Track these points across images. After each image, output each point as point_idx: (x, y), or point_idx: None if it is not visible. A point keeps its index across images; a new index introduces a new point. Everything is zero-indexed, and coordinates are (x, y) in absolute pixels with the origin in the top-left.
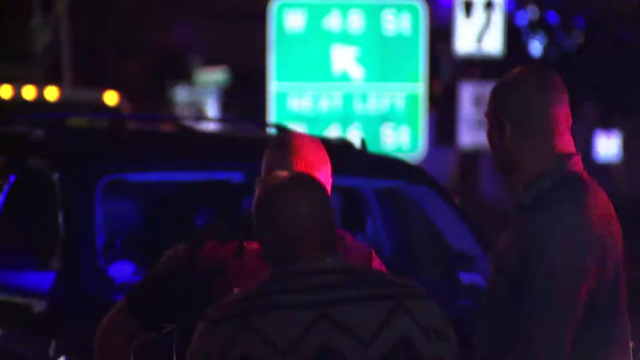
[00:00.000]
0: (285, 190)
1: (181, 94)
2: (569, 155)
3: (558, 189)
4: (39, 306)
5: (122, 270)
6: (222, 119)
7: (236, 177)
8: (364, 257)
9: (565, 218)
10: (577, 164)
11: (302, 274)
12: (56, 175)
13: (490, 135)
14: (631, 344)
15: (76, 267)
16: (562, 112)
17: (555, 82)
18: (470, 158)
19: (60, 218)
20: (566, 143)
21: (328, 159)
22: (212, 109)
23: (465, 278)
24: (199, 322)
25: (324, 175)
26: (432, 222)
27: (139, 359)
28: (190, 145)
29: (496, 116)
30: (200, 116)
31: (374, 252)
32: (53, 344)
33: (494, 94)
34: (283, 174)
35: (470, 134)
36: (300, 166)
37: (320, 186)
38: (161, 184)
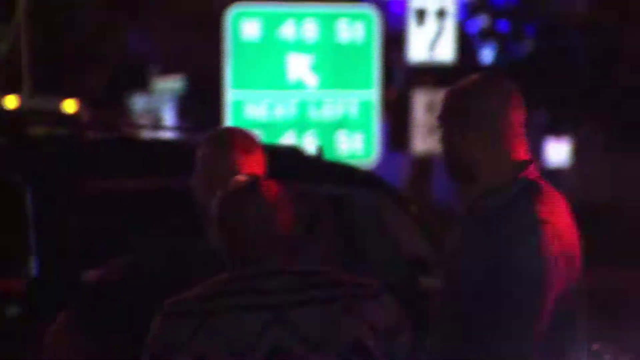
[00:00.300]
0: (239, 197)
1: (139, 102)
2: (529, 162)
3: (523, 196)
4: (12, 312)
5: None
6: (183, 127)
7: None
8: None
9: (535, 226)
10: (535, 171)
11: (257, 276)
12: (27, 186)
13: (446, 141)
14: (596, 347)
15: (50, 275)
16: (521, 119)
17: (514, 89)
18: (424, 164)
19: (32, 227)
20: (524, 149)
21: (260, 146)
22: (169, 116)
23: (422, 283)
24: (157, 314)
25: (258, 160)
26: (387, 228)
27: None
28: (155, 152)
29: (455, 122)
30: (160, 125)
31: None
32: (28, 351)
33: (452, 100)
34: (239, 181)
35: (424, 140)
36: (235, 157)
37: (273, 194)
38: (131, 191)
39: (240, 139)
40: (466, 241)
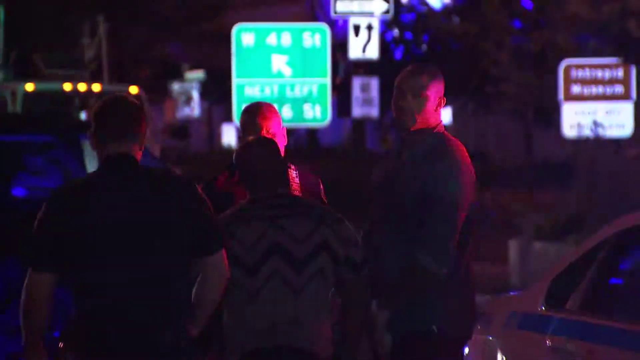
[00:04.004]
0: (249, 147)
1: (176, 87)
2: (441, 121)
3: (445, 144)
4: None
5: None
6: None
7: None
8: (313, 180)
9: (455, 164)
10: (442, 126)
11: (262, 199)
12: None
13: (396, 104)
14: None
15: None
16: (442, 91)
17: (439, 72)
18: (360, 124)
19: None
20: (439, 112)
21: (279, 114)
22: (195, 96)
23: None
24: None
25: (277, 124)
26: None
27: None
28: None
29: (400, 92)
30: None
31: (320, 180)
32: None
33: (400, 79)
34: (250, 139)
35: (360, 109)
36: (261, 123)
37: (273, 144)
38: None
39: (261, 109)
40: (407, 170)
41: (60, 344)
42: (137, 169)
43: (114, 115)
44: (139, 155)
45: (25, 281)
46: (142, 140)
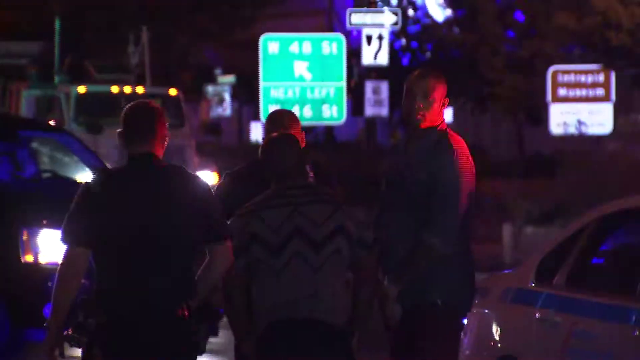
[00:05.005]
0: (273, 143)
1: (210, 90)
2: (444, 119)
3: (447, 139)
4: None
5: None
6: None
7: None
8: (326, 175)
9: (456, 156)
10: (444, 123)
11: (286, 188)
12: None
13: (405, 104)
14: None
15: None
16: (445, 93)
17: (443, 76)
18: (372, 122)
19: None
20: (443, 111)
21: (299, 121)
22: (227, 97)
23: None
24: (233, 216)
25: (297, 132)
26: (79, 161)
27: None
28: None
29: (409, 94)
30: None
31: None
32: None
33: (408, 82)
34: (273, 134)
35: (371, 109)
36: (282, 128)
37: (294, 139)
38: None
39: (283, 120)
40: (414, 160)
41: (81, 315)
42: (157, 164)
43: (136, 120)
44: (160, 152)
45: (63, 256)
46: (161, 139)
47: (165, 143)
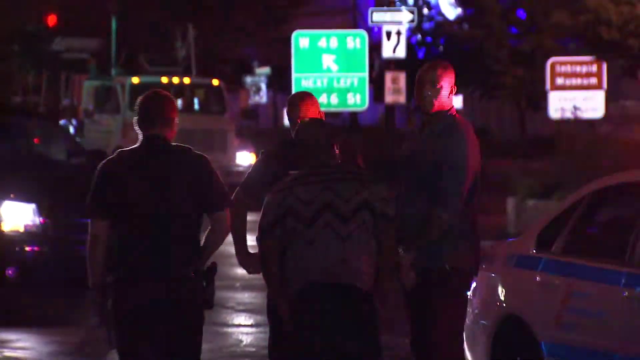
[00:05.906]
0: (306, 125)
1: (248, 80)
2: (453, 105)
3: (456, 123)
4: None
5: None
6: None
7: None
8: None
9: (464, 138)
10: (454, 109)
11: (317, 167)
12: None
13: (418, 92)
14: None
15: None
16: (453, 81)
17: (450, 66)
18: (391, 108)
19: None
20: (452, 98)
21: (318, 103)
22: (263, 87)
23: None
24: (269, 192)
25: (316, 113)
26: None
27: None
28: None
29: (422, 83)
30: None
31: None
32: None
33: (421, 72)
34: (306, 119)
35: (391, 96)
36: (302, 111)
37: (324, 123)
38: None
39: (303, 98)
40: (426, 144)
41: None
42: (166, 146)
43: (146, 107)
44: (170, 135)
45: (89, 228)
46: (171, 124)
47: (174, 127)
